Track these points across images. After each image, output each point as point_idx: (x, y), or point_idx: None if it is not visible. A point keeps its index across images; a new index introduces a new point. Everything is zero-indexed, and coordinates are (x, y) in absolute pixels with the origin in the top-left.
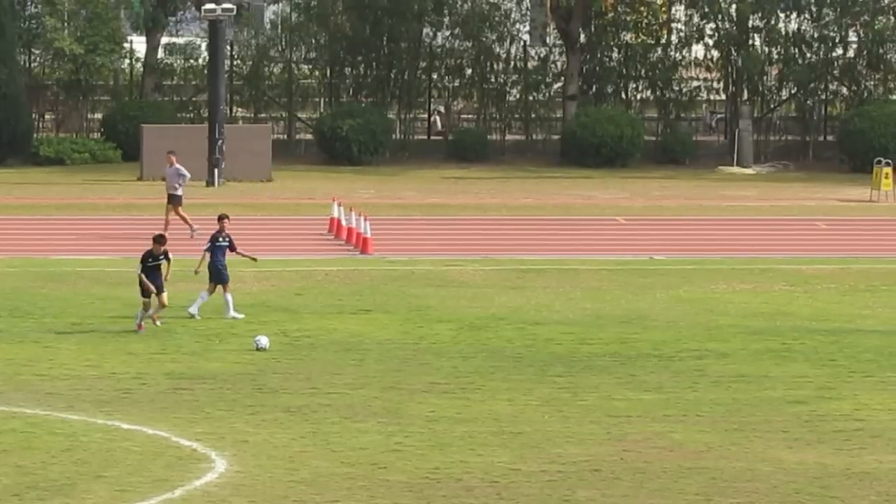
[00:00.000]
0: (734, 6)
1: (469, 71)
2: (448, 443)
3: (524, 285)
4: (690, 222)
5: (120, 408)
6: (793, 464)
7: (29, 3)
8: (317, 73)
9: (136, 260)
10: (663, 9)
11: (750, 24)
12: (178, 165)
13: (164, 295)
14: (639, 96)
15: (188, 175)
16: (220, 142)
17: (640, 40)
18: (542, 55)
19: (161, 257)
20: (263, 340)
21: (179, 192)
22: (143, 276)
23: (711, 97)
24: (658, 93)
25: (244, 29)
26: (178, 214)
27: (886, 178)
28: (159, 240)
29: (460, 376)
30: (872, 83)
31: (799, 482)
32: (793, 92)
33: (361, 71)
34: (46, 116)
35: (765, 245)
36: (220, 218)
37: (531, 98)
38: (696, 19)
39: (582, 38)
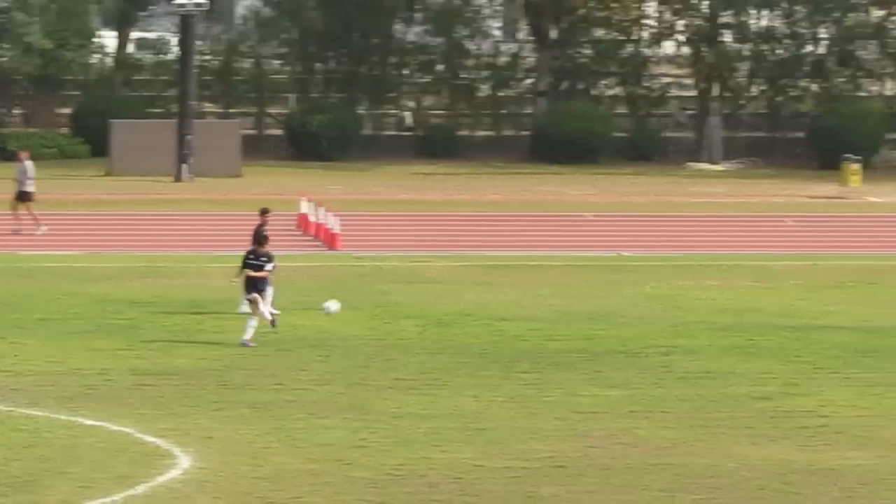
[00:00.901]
0: (705, 2)
1: (439, 67)
2: (413, 439)
3: (492, 281)
4: (659, 218)
5: (84, 404)
6: (757, 460)
7: None
8: (287, 68)
9: (107, 255)
10: (634, 5)
11: (721, 20)
12: (27, 162)
13: (259, 300)
14: (609, 92)
15: (32, 173)
16: (188, 137)
17: (611, 36)
18: (512, 51)
19: (264, 258)
20: (333, 306)
21: (31, 189)
22: (243, 269)
23: (682, 93)
24: (628, 89)
25: (215, 24)
26: (27, 211)
27: (855, 174)
28: (262, 240)
29: (426, 372)
30: (843, 80)
31: (763, 478)
32: (763, 88)
33: (332, 66)
34: (15, 111)
35: (733, 241)
36: (263, 212)
37: (501, 94)
38: (667, 16)
39: (553, 34)
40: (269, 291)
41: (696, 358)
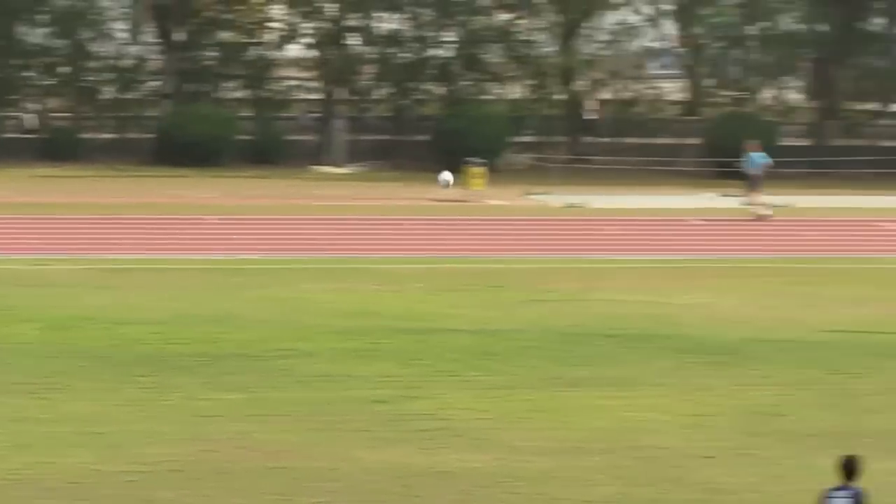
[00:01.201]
0: (331, 6)
1: (63, 69)
2: (30, 443)
3: (113, 285)
4: (282, 221)
5: None
6: (375, 463)
7: None
8: None
9: None
10: (259, 7)
11: (347, 23)
12: None
13: None
14: (234, 95)
15: None
16: None
17: (236, 39)
18: (138, 53)
19: None
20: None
21: None
22: None
23: (307, 97)
24: (253, 92)
25: None
26: None
27: (477, 177)
28: None
29: (44, 377)
30: (468, 83)
31: (381, 481)
32: (389, 92)
33: None
34: None
35: (355, 245)
36: None
37: (126, 97)
38: (293, 18)
39: (179, 36)
40: None
41: (316, 361)
